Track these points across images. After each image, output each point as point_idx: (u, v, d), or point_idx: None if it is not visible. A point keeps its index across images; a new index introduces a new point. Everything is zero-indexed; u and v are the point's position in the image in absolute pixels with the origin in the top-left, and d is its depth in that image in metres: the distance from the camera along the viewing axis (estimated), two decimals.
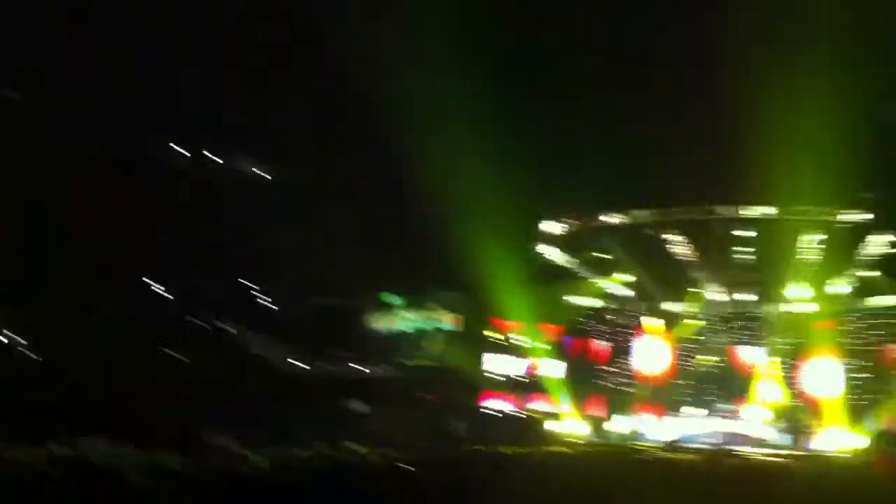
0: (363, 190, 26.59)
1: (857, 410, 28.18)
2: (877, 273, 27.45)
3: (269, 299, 28.78)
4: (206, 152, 25.63)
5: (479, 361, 28.67)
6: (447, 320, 28.94)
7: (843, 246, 26.46)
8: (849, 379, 29.10)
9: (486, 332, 29.05)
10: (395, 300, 29.53)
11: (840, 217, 25.79)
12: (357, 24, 21.32)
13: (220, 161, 25.65)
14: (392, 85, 21.84)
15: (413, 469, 12.10)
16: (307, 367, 27.85)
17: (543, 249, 28.88)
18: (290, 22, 24.11)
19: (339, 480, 10.92)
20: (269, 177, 27.01)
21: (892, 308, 28.15)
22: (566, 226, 28.54)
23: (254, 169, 27.03)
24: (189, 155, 24.84)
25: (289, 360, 29.11)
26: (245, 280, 28.45)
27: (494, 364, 29.36)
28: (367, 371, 30.29)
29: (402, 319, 29.44)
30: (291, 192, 26.66)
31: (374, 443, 18.05)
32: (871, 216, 25.35)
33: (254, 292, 28.37)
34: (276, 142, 26.33)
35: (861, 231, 25.93)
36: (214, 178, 26.12)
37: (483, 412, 28.62)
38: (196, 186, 24.99)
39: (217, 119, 24.54)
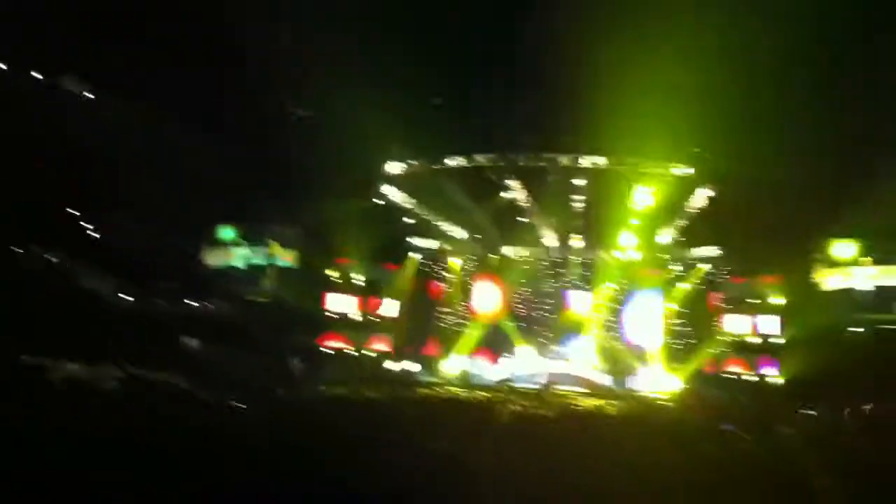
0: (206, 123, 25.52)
1: (678, 354, 29.87)
2: (698, 224, 28.82)
3: (95, 228, 27.48)
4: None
5: (317, 300, 28.40)
6: (285, 257, 28.42)
7: (669, 198, 27.63)
8: (671, 324, 30.75)
9: (325, 271, 28.75)
10: (232, 235, 28.67)
11: (667, 170, 26.87)
12: None
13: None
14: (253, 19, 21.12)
15: (243, 406, 11.97)
16: (131, 300, 26.89)
17: (386, 190, 28.76)
18: None
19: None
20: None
21: (712, 258, 29.69)
22: (410, 167, 28.49)
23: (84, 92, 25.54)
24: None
25: (120, 294, 28.05)
26: (73, 208, 27.06)
27: (332, 302, 29.16)
28: (201, 306, 29.55)
29: (238, 255, 28.67)
30: (135, 120, 25.42)
31: (206, 379, 17.80)
32: (693, 170, 26.56)
33: (82, 222, 27.03)
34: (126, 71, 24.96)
35: (686, 184, 27.14)
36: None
37: (320, 351, 28.60)
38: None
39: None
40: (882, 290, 25.27)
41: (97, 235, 27.61)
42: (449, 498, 7.64)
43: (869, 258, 25.36)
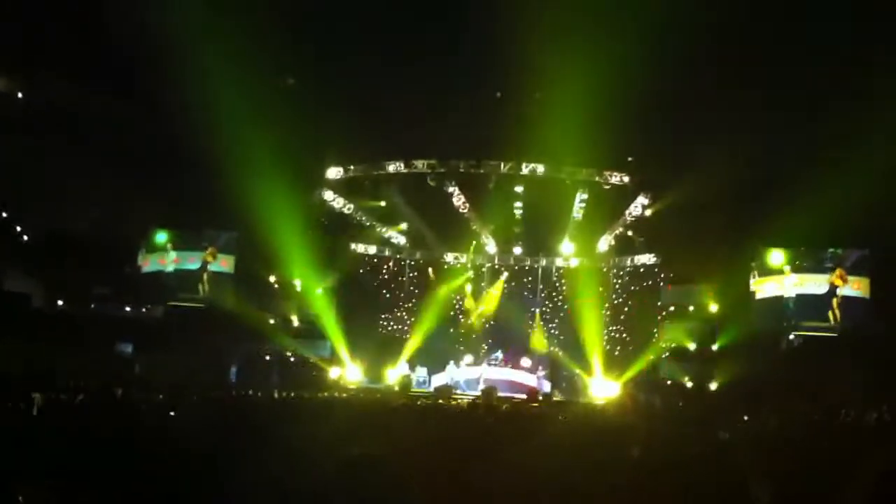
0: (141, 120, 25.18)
1: (614, 361, 30.20)
2: (635, 232, 29.23)
3: (23, 230, 26.95)
4: None
5: (254, 305, 28.09)
6: (222, 262, 28.08)
7: (606, 206, 27.98)
8: (610, 331, 31.10)
9: (263, 276, 28.47)
10: (166, 238, 28.24)
11: (603, 178, 27.21)
12: None
13: None
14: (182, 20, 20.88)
15: (172, 412, 11.79)
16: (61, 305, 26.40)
17: (325, 195, 28.64)
18: None
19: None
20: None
21: (648, 266, 30.13)
22: (348, 171, 28.42)
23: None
24: None
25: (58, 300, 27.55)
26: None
27: (271, 308, 28.89)
28: (135, 311, 29.12)
29: (172, 258, 28.26)
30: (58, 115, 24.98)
31: (142, 386, 17.56)
32: (628, 179, 26.95)
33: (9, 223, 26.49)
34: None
35: (621, 192, 27.53)
36: None
37: (257, 356, 28.33)
38: None
39: None
40: (805, 298, 25.86)
41: (26, 237, 27.07)
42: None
43: (789, 266, 25.90)
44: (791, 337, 25.69)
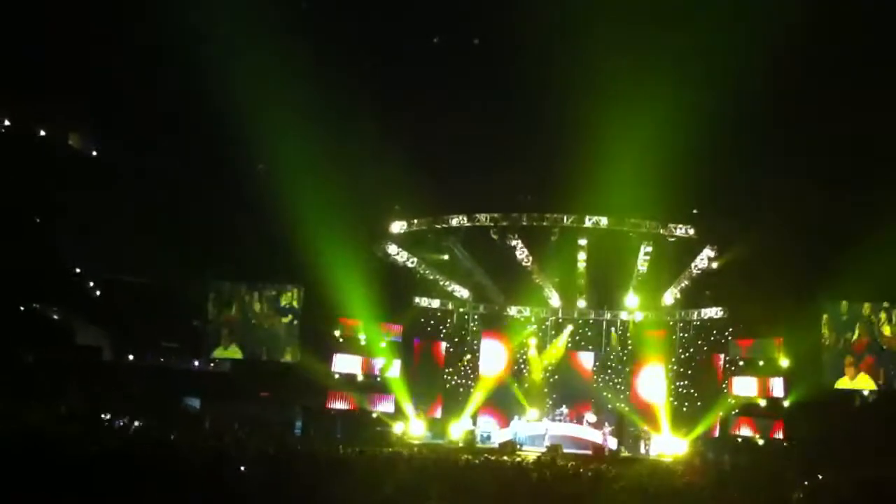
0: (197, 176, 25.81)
1: (684, 417, 29.59)
2: (701, 286, 28.76)
3: (95, 286, 27.65)
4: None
5: (320, 359, 28.28)
6: (287, 315, 28.35)
7: (671, 259, 27.63)
8: (677, 386, 30.52)
9: (328, 330, 28.66)
10: (231, 290, 28.61)
11: (668, 231, 26.92)
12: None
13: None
14: (228, 73, 21.47)
15: (241, 467, 11.89)
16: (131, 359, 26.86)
17: (389, 248, 28.85)
18: None
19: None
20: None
21: (715, 320, 29.57)
22: (412, 225, 28.62)
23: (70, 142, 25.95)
24: None
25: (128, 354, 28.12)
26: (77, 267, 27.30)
27: (336, 362, 29.03)
28: (199, 364, 29.51)
29: (238, 310, 28.58)
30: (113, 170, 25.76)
31: (208, 439, 17.76)
32: (693, 231, 26.62)
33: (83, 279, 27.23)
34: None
35: (686, 245, 27.18)
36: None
37: (323, 411, 28.43)
38: None
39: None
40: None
41: (97, 293, 27.78)
42: None
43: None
44: (865, 393, 24.85)
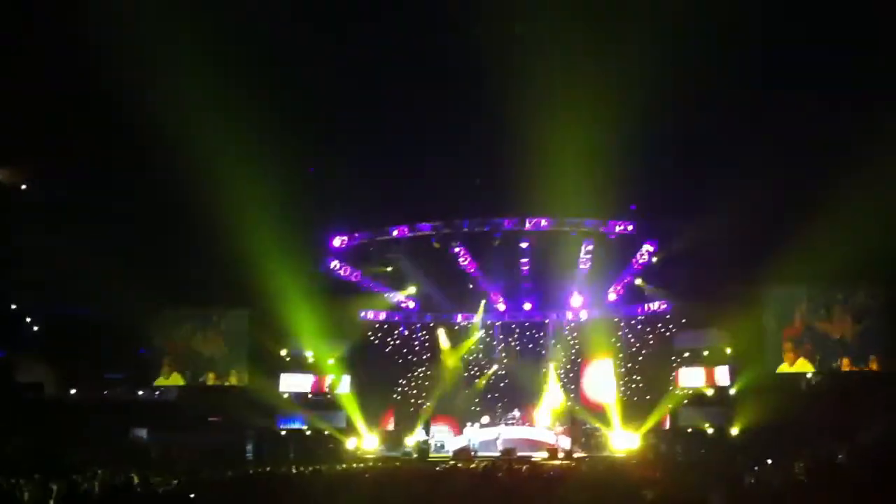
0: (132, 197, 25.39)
1: (632, 411, 29.86)
2: (643, 281, 29.12)
3: (33, 320, 27.03)
4: None
5: (268, 379, 27.97)
6: (231, 338, 28.00)
7: (613, 256, 27.96)
8: (624, 382, 30.81)
9: (274, 350, 28.39)
10: (173, 317, 28.20)
11: (608, 228, 27.23)
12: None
13: None
14: (160, 91, 21.17)
15: (192, 496, 11.68)
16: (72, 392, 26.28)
17: (331, 264, 28.68)
18: None
19: None
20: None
21: (660, 314, 29.93)
22: (353, 239, 28.51)
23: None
24: None
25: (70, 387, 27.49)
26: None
27: (284, 382, 28.75)
28: (145, 394, 29.00)
29: (181, 337, 28.17)
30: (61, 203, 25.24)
31: (158, 469, 17.41)
32: (633, 227, 26.95)
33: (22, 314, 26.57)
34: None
35: (627, 241, 27.52)
36: None
37: (273, 431, 28.11)
38: None
39: None
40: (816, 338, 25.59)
41: (35, 327, 27.14)
42: None
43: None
44: (809, 376, 25.37)
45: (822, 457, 15.41)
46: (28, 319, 27.36)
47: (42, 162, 25.01)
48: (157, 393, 28.88)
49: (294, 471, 17.92)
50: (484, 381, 32.51)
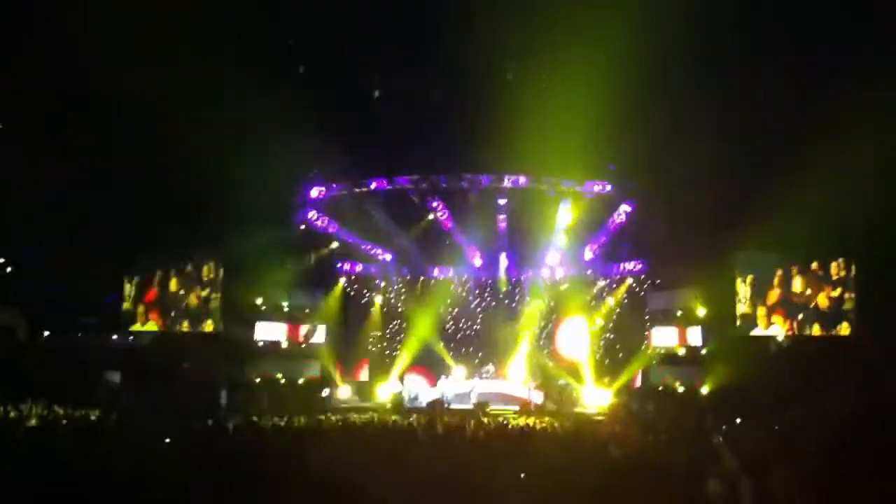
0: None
1: (605, 369, 30.23)
2: (619, 240, 29.26)
3: (5, 263, 26.80)
4: None
5: (242, 328, 27.94)
6: (206, 288, 27.88)
7: (590, 215, 28.03)
8: (599, 339, 31.12)
9: (249, 299, 28.31)
10: (147, 267, 28.04)
11: (586, 188, 27.25)
12: None
13: None
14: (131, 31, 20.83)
15: (166, 442, 11.67)
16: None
17: (308, 214, 28.56)
18: None
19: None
20: None
21: (634, 273, 30.14)
22: (331, 191, 28.37)
23: None
24: None
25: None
26: None
27: (261, 331, 28.74)
28: (121, 340, 28.90)
29: (155, 287, 28.03)
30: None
31: (130, 416, 17.40)
32: (610, 187, 26.99)
33: None
34: None
35: (604, 201, 27.58)
36: None
37: (248, 381, 28.13)
38: None
39: None
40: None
41: (7, 270, 26.91)
42: None
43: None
44: (780, 338, 25.66)
45: (787, 419, 15.63)
46: (1, 261, 27.13)
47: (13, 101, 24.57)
48: (130, 338, 28.78)
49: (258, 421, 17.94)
50: (459, 336, 32.64)
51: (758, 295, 25.66)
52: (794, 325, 25.37)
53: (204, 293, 27.62)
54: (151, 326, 27.87)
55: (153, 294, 27.85)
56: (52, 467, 9.15)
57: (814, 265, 25.34)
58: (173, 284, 27.78)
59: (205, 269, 27.73)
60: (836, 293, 25.11)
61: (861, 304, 24.73)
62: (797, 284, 25.45)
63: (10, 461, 9.37)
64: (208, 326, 27.52)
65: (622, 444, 11.33)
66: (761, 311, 25.64)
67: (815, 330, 25.18)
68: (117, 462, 9.68)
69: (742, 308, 25.75)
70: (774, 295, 25.59)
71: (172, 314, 27.82)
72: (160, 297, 27.84)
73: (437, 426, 13.91)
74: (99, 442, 11.59)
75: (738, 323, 25.72)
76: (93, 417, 16.10)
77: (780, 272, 25.50)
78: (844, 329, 24.97)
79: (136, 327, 27.95)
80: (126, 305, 27.81)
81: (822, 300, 25.23)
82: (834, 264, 25.20)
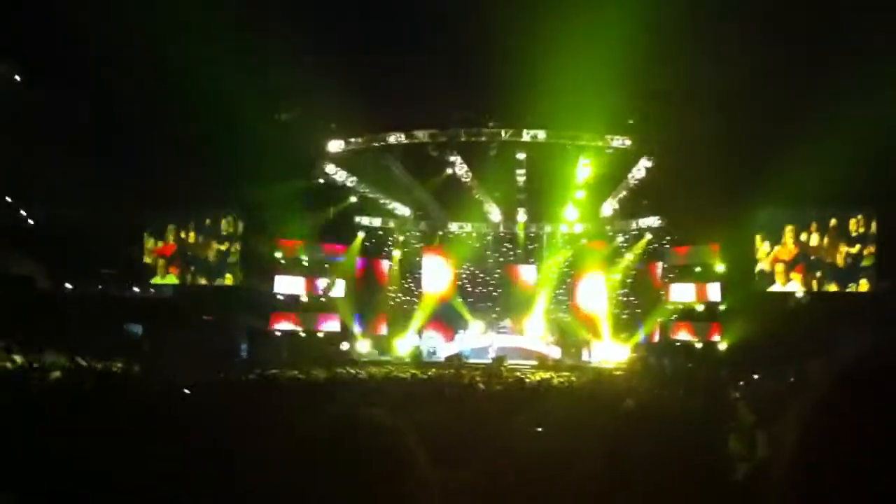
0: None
1: (624, 324, 30.32)
2: (638, 195, 29.12)
3: (28, 215, 27.04)
4: None
5: (262, 281, 28.16)
6: (225, 242, 28.06)
7: (609, 170, 27.86)
8: (617, 295, 31.16)
9: (269, 253, 28.48)
10: (166, 220, 28.21)
11: (605, 142, 27.08)
12: None
13: None
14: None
15: (187, 391, 11.82)
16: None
17: (327, 168, 28.56)
18: None
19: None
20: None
21: (653, 228, 30.05)
22: (349, 144, 28.32)
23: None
24: None
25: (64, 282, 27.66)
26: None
27: (280, 284, 28.95)
28: (143, 292, 29.21)
29: (174, 240, 28.22)
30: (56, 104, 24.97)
31: (151, 365, 17.64)
32: (630, 142, 26.81)
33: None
34: None
35: (624, 156, 27.41)
36: None
37: (267, 333, 28.42)
38: None
39: None
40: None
41: (31, 222, 27.15)
42: (393, 469, 7.62)
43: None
44: (799, 295, 25.60)
45: (803, 372, 15.65)
46: (23, 213, 27.37)
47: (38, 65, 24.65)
48: (151, 290, 29.10)
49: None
50: (476, 290, 32.75)
51: (777, 252, 25.58)
52: (813, 281, 25.31)
53: (223, 247, 27.84)
54: (171, 280, 28.13)
55: (173, 247, 28.08)
56: (81, 419, 9.30)
57: (832, 221, 25.20)
58: (192, 238, 28.00)
59: (223, 222, 27.91)
60: (854, 249, 24.99)
61: (881, 259, 24.61)
62: (815, 241, 25.35)
63: (36, 413, 9.54)
64: (228, 280, 27.75)
65: (638, 397, 11.41)
66: (780, 268, 25.59)
67: (834, 287, 25.12)
68: (148, 412, 9.84)
69: (761, 265, 25.70)
70: (793, 251, 25.50)
71: (192, 268, 28.07)
72: (179, 250, 28.06)
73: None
74: (126, 391, 11.77)
75: (756, 279, 25.69)
76: (114, 369, 16.34)
77: (798, 229, 25.39)
78: (863, 286, 24.89)
79: (157, 280, 28.23)
80: (147, 259, 28.07)
81: (841, 257, 25.13)
82: (853, 220, 25.06)
